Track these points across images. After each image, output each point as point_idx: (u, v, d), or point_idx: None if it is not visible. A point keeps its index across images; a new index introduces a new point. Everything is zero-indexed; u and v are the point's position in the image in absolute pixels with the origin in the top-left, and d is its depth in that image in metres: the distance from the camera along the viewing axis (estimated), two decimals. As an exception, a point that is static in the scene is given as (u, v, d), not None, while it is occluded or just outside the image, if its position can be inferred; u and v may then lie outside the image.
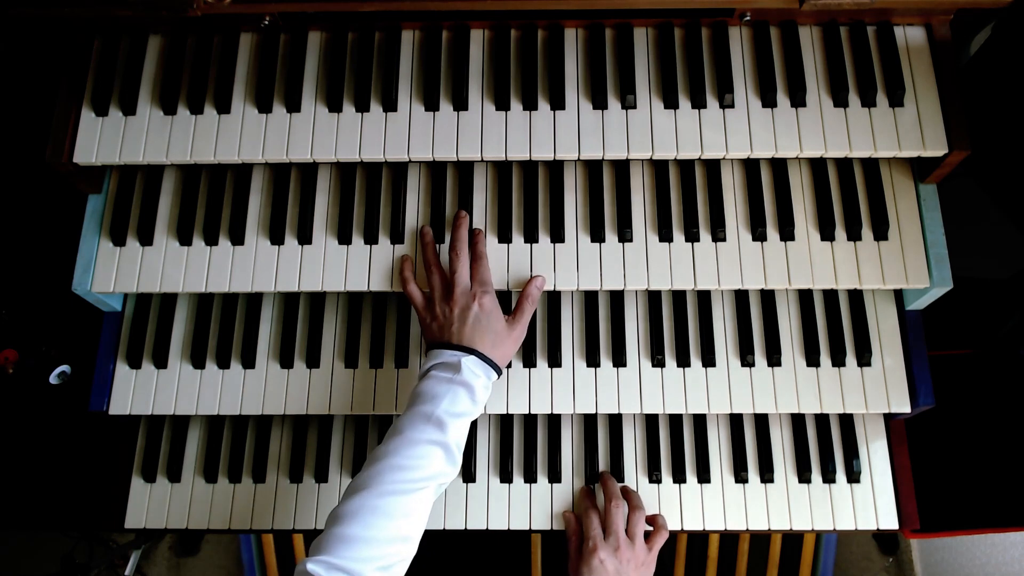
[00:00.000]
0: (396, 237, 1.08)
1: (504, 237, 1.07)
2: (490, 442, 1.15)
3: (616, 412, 1.09)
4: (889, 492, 1.12)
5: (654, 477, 1.13)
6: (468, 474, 1.13)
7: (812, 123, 1.03)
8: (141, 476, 1.15)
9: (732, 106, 1.04)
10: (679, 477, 1.13)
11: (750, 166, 1.10)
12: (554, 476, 1.13)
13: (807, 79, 1.04)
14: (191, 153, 1.03)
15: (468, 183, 1.10)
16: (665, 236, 1.06)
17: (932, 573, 1.95)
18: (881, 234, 1.06)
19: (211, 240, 1.08)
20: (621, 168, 1.09)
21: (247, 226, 1.08)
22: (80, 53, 1.07)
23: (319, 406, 1.10)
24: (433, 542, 1.13)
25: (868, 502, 1.11)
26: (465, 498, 1.13)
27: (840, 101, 1.03)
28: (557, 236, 1.07)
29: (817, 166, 1.10)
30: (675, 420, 1.16)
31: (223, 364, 1.12)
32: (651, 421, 1.16)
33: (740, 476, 1.12)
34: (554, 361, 1.10)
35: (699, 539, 1.89)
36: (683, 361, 1.09)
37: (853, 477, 1.12)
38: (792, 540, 1.91)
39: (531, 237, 1.07)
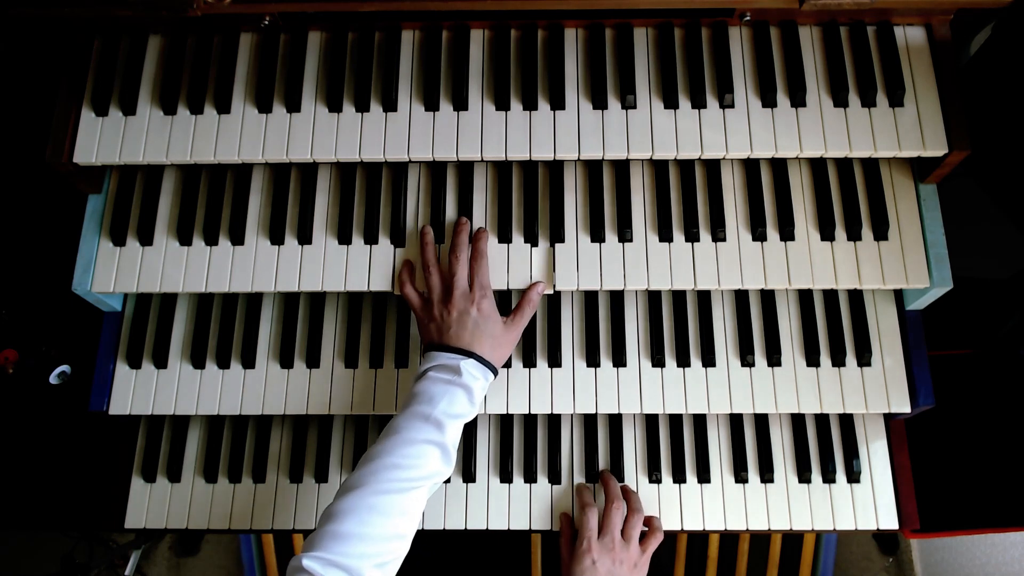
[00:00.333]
0: (396, 237, 1.08)
1: (504, 237, 1.07)
2: (490, 442, 1.15)
3: (616, 412, 1.09)
4: (889, 492, 1.12)
5: (654, 477, 1.13)
6: (468, 474, 1.13)
7: (812, 123, 1.03)
8: (141, 476, 1.15)
9: (732, 106, 1.04)
10: (679, 477, 1.13)
11: (750, 166, 1.10)
12: (554, 476, 1.13)
13: (807, 79, 1.04)
14: (191, 153, 1.03)
15: (468, 183, 1.10)
16: (665, 236, 1.06)
17: (932, 573, 1.95)
18: (881, 234, 1.06)
19: (211, 240, 1.08)
20: (621, 168, 1.09)
21: (247, 226, 1.08)
22: (80, 53, 1.07)
23: (319, 406, 1.10)
24: (433, 542, 1.13)
25: (868, 502, 1.11)
26: (465, 498, 1.13)
27: (840, 101, 1.03)
28: (557, 236, 1.07)
29: (817, 166, 1.10)
30: (675, 420, 1.16)
31: (223, 364, 1.12)
32: (651, 421, 1.16)
33: (740, 476, 1.12)
34: (554, 361, 1.10)
35: (699, 539, 1.89)
36: (683, 361, 1.09)
37: (853, 477, 1.12)
38: (792, 540, 1.91)
39: (531, 237, 1.07)
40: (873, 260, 1.05)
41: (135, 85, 1.06)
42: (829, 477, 1.12)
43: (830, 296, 1.13)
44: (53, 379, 1.20)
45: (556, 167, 1.10)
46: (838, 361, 1.09)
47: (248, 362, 1.12)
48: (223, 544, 2.11)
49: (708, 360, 1.09)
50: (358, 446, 1.15)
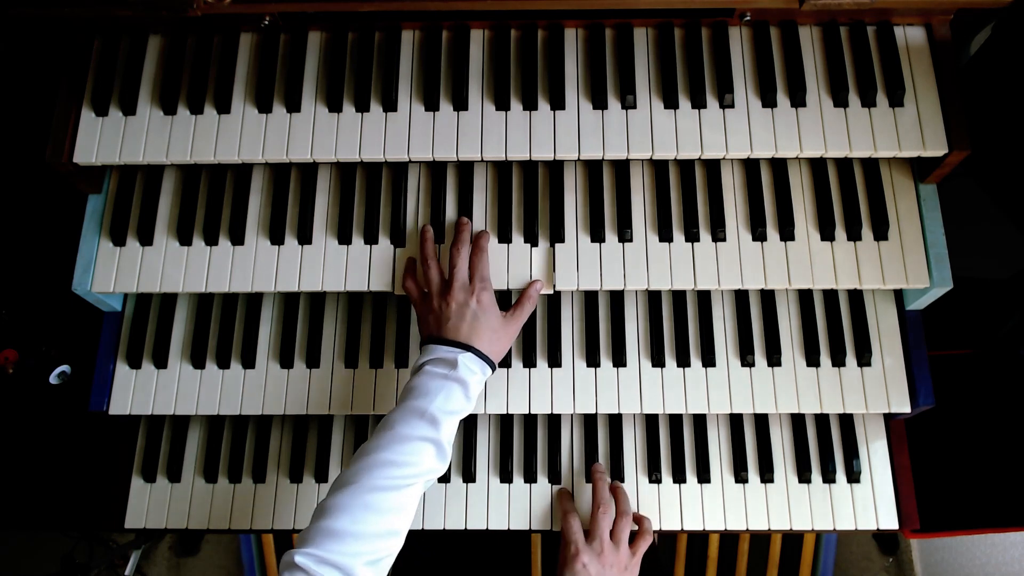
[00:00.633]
0: (396, 237, 1.08)
1: (504, 237, 1.07)
2: (490, 442, 1.15)
3: (616, 412, 1.09)
4: (889, 492, 1.12)
5: (654, 477, 1.13)
6: (468, 474, 1.13)
7: (812, 123, 1.03)
8: (141, 476, 1.15)
9: (732, 106, 1.04)
10: (679, 477, 1.13)
11: (750, 166, 1.10)
12: (554, 476, 1.13)
13: (807, 79, 1.04)
14: (191, 153, 1.03)
15: (468, 183, 1.10)
16: (665, 236, 1.06)
17: (932, 573, 1.95)
18: (881, 234, 1.06)
19: (211, 240, 1.08)
20: (621, 168, 1.09)
21: (247, 226, 1.08)
22: (80, 53, 1.07)
23: (319, 406, 1.10)
24: (433, 542, 1.13)
25: (868, 502, 1.11)
26: (465, 498, 1.13)
27: (840, 101, 1.03)
28: (557, 236, 1.07)
29: (817, 166, 1.10)
30: (675, 420, 1.16)
31: (223, 364, 1.12)
32: (651, 421, 1.16)
33: (740, 476, 1.12)
34: (554, 361, 1.10)
35: (699, 539, 1.89)
36: (683, 361, 1.09)
37: (853, 477, 1.12)
38: (792, 540, 1.91)
39: (531, 237, 1.07)
40: (873, 260, 1.05)
41: (135, 85, 1.06)
42: (829, 477, 1.12)
43: (830, 296, 1.13)
44: (53, 379, 1.20)
45: (556, 167, 1.10)
46: (838, 361, 1.09)
47: (248, 362, 1.12)
48: (223, 544, 2.11)
49: (708, 360, 1.09)
50: (358, 446, 1.15)
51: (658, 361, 1.09)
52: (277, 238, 1.07)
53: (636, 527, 1.10)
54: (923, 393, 1.07)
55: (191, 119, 1.05)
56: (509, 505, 1.12)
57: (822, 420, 1.15)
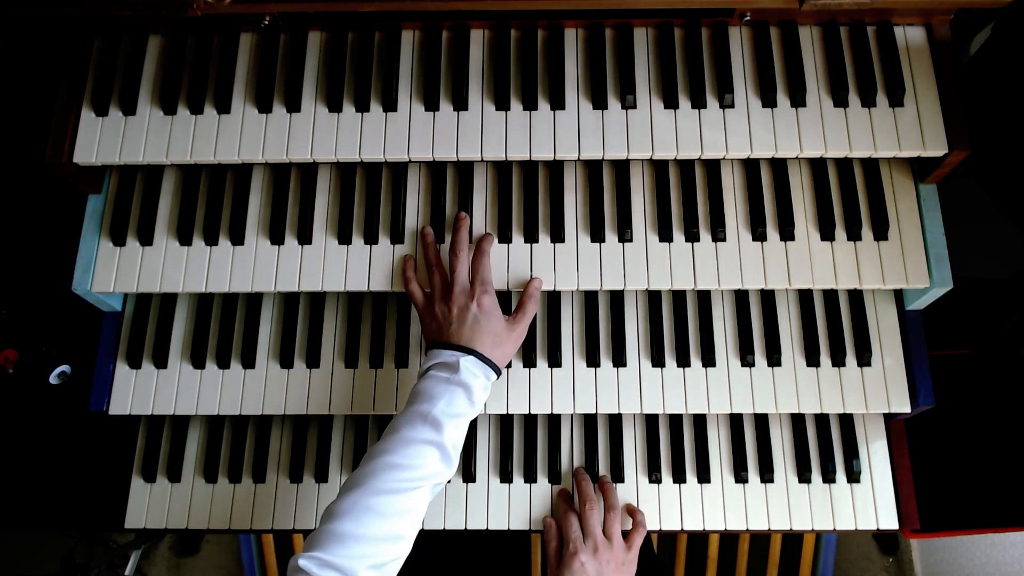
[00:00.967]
0: (396, 237, 1.08)
1: (504, 237, 1.07)
2: (490, 442, 1.15)
3: (616, 412, 1.09)
4: (889, 492, 1.12)
5: (654, 477, 1.13)
6: (468, 474, 1.13)
7: (812, 123, 1.03)
8: (141, 476, 1.15)
9: (732, 106, 1.04)
10: (679, 477, 1.13)
11: (750, 166, 1.10)
12: (554, 476, 1.13)
13: (807, 79, 1.04)
14: (191, 153, 1.03)
15: (468, 183, 1.10)
16: (665, 236, 1.06)
17: (932, 573, 1.95)
18: (881, 234, 1.06)
19: (211, 240, 1.08)
20: (621, 168, 1.09)
21: (247, 226, 1.08)
22: (80, 53, 1.07)
23: (319, 406, 1.10)
24: (433, 542, 1.13)
25: (868, 502, 1.11)
26: (465, 498, 1.13)
27: (840, 101, 1.03)
28: (557, 236, 1.07)
29: (817, 166, 1.10)
30: (675, 420, 1.16)
31: (223, 364, 1.12)
32: (651, 421, 1.16)
33: (740, 476, 1.12)
34: (554, 361, 1.10)
35: (699, 539, 1.89)
36: (683, 361, 1.09)
37: (853, 477, 1.12)
38: (792, 540, 1.91)
39: (531, 237, 1.07)
40: (873, 260, 1.05)
41: (135, 85, 1.06)
42: (829, 477, 1.12)
43: (830, 296, 1.13)
44: (53, 379, 1.20)
45: (556, 167, 1.10)
46: (838, 361, 1.09)
47: (248, 362, 1.12)
48: (223, 544, 2.11)
49: (708, 360, 1.09)
50: (358, 446, 1.15)
51: (658, 361, 1.09)
52: (277, 238, 1.07)
53: (631, 521, 1.11)
54: (923, 393, 1.07)
55: (191, 119, 1.05)
56: (509, 505, 1.12)
57: (822, 420, 1.15)
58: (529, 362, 1.10)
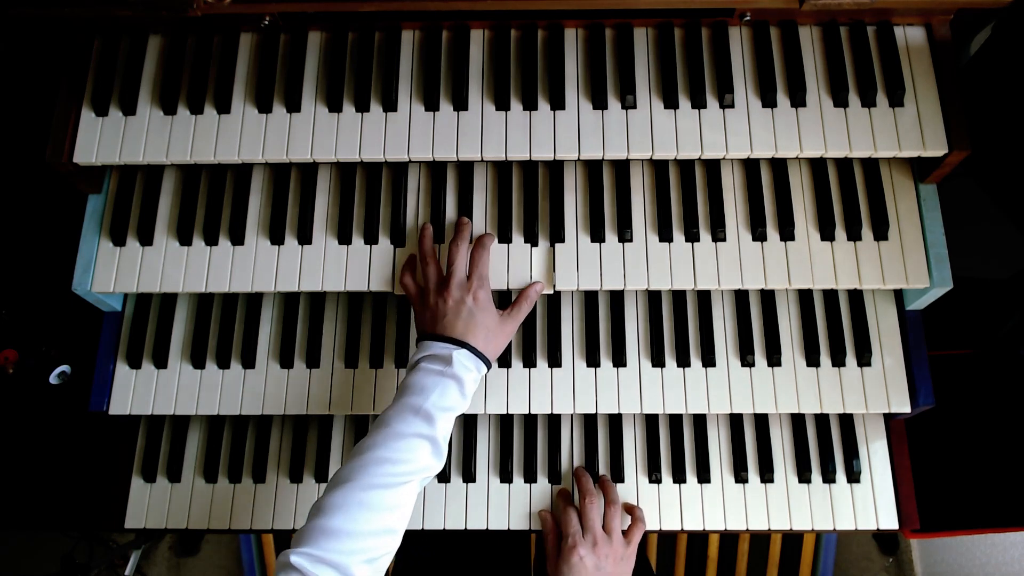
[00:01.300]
0: (396, 237, 1.08)
1: (504, 237, 1.07)
2: (490, 442, 1.15)
3: (616, 412, 1.09)
4: (889, 492, 1.12)
5: (654, 477, 1.13)
6: (468, 474, 1.13)
7: (812, 123, 1.03)
8: (141, 476, 1.15)
9: (732, 106, 1.04)
10: (679, 477, 1.13)
11: (750, 166, 1.10)
12: (554, 476, 1.13)
13: (807, 79, 1.04)
14: (191, 153, 1.03)
15: (468, 183, 1.10)
16: (665, 236, 1.06)
17: (932, 573, 1.95)
18: (881, 234, 1.06)
19: (211, 240, 1.08)
20: (621, 168, 1.09)
21: (247, 226, 1.08)
22: (80, 53, 1.07)
23: (319, 406, 1.10)
24: (433, 542, 1.13)
25: (868, 502, 1.11)
26: (465, 498, 1.13)
27: (840, 101, 1.03)
28: (557, 236, 1.07)
29: (817, 166, 1.10)
30: (675, 420, 1.16)
31: (223, 364, 1.12)
32: (651, 421, 1.16)
33: (740, 476, 1.12)
34: (554, 361, 1.10)
35: (699, 539, 1.90)
36: (683, 361, 1.09)
37: (853, 477, 1.12)
38: (792, 540, 1.91)
39: (531, 237, 1.07)
40: (873, 260, 1.05)
41: (135, 85, 1.06)
42: (829, 477, 1.12)
43: (830, 296, 1.13)
44: (53, 379, 1.20)
45: (556, 167, 1.10)
46: (838, 361, 1.09)
47: (248, 362, 1.12)
48: (223, 544, 2.11)
49: (708, 360, 1.09)
50: (358, 446, 1.15)
51: (658, 361, 1.09)
52: (277, 238, 1.07)
53: (630, 517, 1.11)
54: (923, 393, 1.07)
55: (191, 119, 1.05)
56: (509, 505, 1.12)
57: (822, 420, 1.15)
58: (529, 362, 1.10)
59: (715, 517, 1.12)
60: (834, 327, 1.11)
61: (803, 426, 1.15)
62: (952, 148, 1.00)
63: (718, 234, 1.06)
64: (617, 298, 1.13)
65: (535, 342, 1.10)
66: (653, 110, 1.04)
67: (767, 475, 1.12)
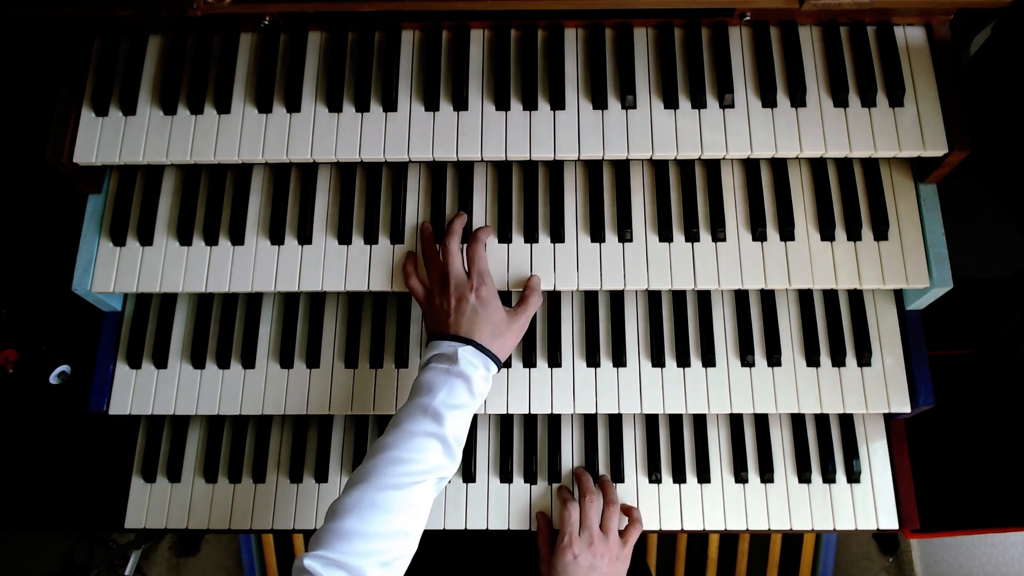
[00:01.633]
0: (396, 237, 1.08)
1: (504, 237, 1.07)
2: (490, 442, 1.15)
3: (616, 412, 1.09)
4: (889, 492, 1.12)
5: (654, 477, 1.13)
6: (468, 474, 1.14)
7: (812, 123, 1.03)
8: (141, 476, 1.15)
9: (732, 106, 1.04)
10: (679, 477, 1.13)
11: (750, 166, 1.10)
12: (554, 476, 1.13)
13: (807, 79, 1.04)
14: (191, 153, 1.03)
15: (468, 183, 1.10)
16: (665, 236, 1.06)
17: (932, 573, 1.95)
18: (881, 234, 1.06)
19: (211, 240, 1.08)
20: (621, 168, 1.09)
21: (247, 226, 1.08)
22: (80, 53, 1.07)
23: (319, 406, 1.10)
24: (433, 542, 1.13)
25: (868, 502, 1.11)
26: (465, 498, 1.13)
27: (840, 101, 1.03)
28: (557, 236, 1.07)
29: (817, 166, 1.10)
30: (675, 420, 1.16)
31: (223, 364, 1.12)
32: (651, 421, 1.16)
33: (740, 476, 1.12)
34: (554, 361, 1.10)
35: (699, 539, 1.89)
36: (683, 361, 1.09)
37: (853, 477, 1.12)
38: (792, 540, 1.91)
39: (531, 237, 1.07)
40: (873, 260, 1.05)
41: (135, 85, 1.06)
42: (829, 477, 1.12)
43: (830, 296, 1.13)
44: (53, 379, 1.20)
45: (556, 167, 1.10)
46: (838, 361, 1.09)
47: (248, 362, 1.12)
48: (223, 544, 2.11)
49: (708, 360, 1.09)
50: (358, 446, 1.15)
51: (658, 361, 1.09)
52: (277, 238, 1.07)
53: (627, 518, 1.11)
54: (923, 393, 1.07)
55: (191, 119, 1.05)
56: (509, 505, 1.12)
57: (822, 420, 1.15)
58: (529, 362, 1.10)
59: (715, 517, 1.12)
60: (834, 327, 1.11)
61: (803, 426, 1.15)
62: (952, 148, 1.00)
63: (718, 234, 1.06)
64: (617, 298, 1.13)
65: (535, 342, 1.10)
66: (653, 110, 1.04)
67: (767, 475, 1.12)
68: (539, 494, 1.13)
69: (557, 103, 1.04)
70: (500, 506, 1.12)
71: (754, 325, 1.12)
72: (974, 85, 1.10)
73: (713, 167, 1.09)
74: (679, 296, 1.13)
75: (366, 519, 0.83)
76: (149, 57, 1.08)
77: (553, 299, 1.12)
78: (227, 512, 1.13)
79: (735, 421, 1.15)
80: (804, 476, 1.12)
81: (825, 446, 1.13)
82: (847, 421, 1.15)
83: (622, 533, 1.08)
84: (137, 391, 1.11)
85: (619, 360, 1.09)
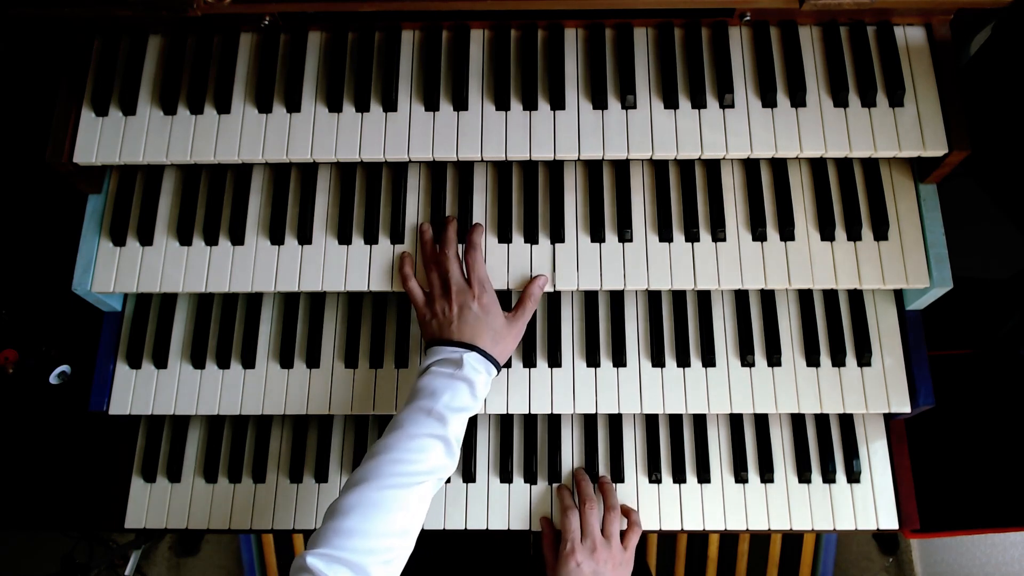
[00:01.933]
0: (396, 237, 1.08)
1: (504, 237, 1.07)
2: (490, 442, 1.15)
3: (616, 412, 1.09)
4: (889, 492, 1.12)
5: (654, 477, 1.13)
6: (468, 474, 1.14)
7: (812, 123, 1.03)
8: (141, 476, 1.15)
9: (732, 106, 1.04)
10: (679, 477, 1.13)
11: (750, 166, 1.10)
12: (554, 476, 1.13)
13: (807, 79, 1.04)
14: (191, 153, 1.03)
15: (468, 183, 1.10)
16: (665, 236, 1.06)
17: (932, 573, 1.95)
18: (881, 234, 1.06)
19: (211, 240, 1.08)
20: (621, 168, 1.09)
21: (247, 226, 1.08)
22: (80, 53, 1.07)
23: (319, 406, 1.10)
24: (433, 542, 1.13)
25: (868, 502, 1.11)
26: (465, 498, 1.13)
27: (840, 101, 1.03)
28: (557, 236, 1.07)
29: (817, 166, 1.10)
30: (675, 420, 1.16)
31: (223, 364, 1.12)
32: (651, 421, 1.16)
33: (740, 476, 1.12)
34: (554, 361, 1.10)
35: (699, 539, 1.90)
36: (683, 361, 1.09)
37: (853, 477, 1.12)
38: (792, 540, 1.91)
39: (531, 237, 1.07)
40: (873, 260, 1.05)
41: (135, 85, 1.06)
42: (829, 477, 1.12)
43: (830, 296, 1.13)
44: (53, 379, 1.20)
45: (556, 167, 1.10)
46: (838, 361, 1.09)
47: (248, 362, 1.12)
48: (223, 544, 2.11)
49: (708, 360, 1.09)
50: (358, 446, 1.15)
51: (658, 361, 1.09)
52: (277, 238, 1.07)
53: (626, 521, 1.11)
54: (923, 393, 1.07)
55: (191, 119, 1.05)
56: (509, 505, 1.12)
57: (822, 420, 1.15)
58: (529, 362, 1.10)
59: (715, 517, 1.12)
60: (834, 327, 1.11)
61: (803, 426, 1.15)
62: (952, 148, 1.00)
63: (718, 234, 1.06)
64: (617, 298, 1.13)
65: (535, 342, 1.11)
66: (653, 110, 1.04)
67: (767, 475, 1.12)
68: (539, 494, 1.13)
69: (557, 103, 1.04)
70: (500, 506, 1.12)
71: (754, 325, 1.12)
72: (974, 85, 1.10)
73: (713, 167, 1.09)
74: (679, 296, 1.13)
75: (369, 518, 0.84)
76: (149, 57, 1.08)
77: (553, 299, 1.12)
78: (227, 512, 1.13)
79: (735, 421, 1.15)
80: (804, 476, 1.12)
81: (825, 446, 1.13)
82: (847, 421, 1.15)
83: (622, 537, 1.08)
84: (137, 391, 1.11)
85: (619, 360, 1.09)
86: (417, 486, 0.88)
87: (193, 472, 1.16)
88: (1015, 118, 1.11)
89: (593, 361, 1.09)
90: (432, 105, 1.05)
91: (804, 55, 1.05)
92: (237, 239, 1.08)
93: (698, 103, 1.04)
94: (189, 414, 1.11)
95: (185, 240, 1.08)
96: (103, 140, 1.04)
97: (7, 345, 1.22)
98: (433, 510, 1.12)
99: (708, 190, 1.08)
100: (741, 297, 1.13)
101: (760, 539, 1.91)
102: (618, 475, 1.13)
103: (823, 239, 1.06)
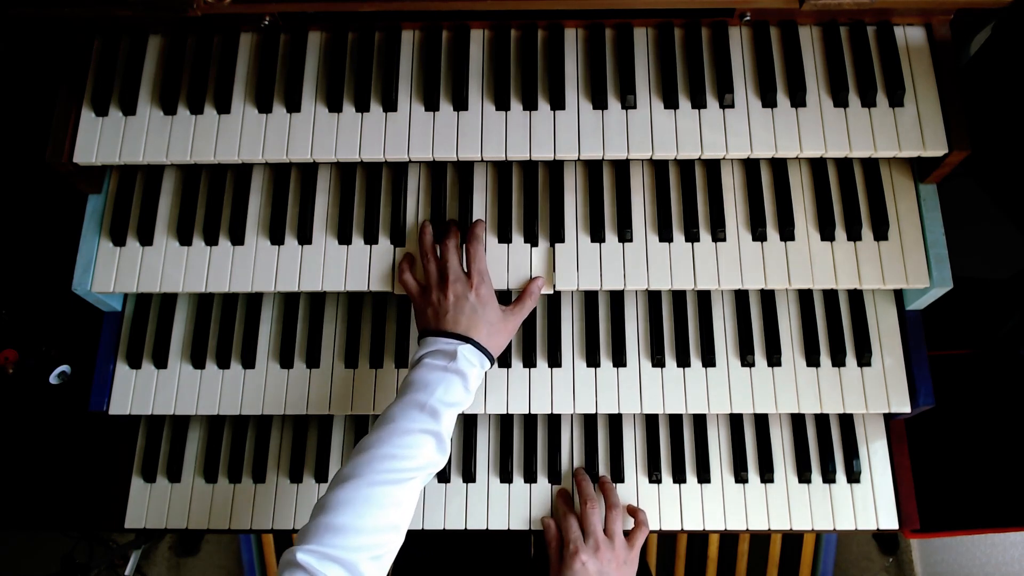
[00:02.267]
0: (396, 237, 1.08)
1: (504, 237, 1.07)
2: (490, 442, 1.15)
3: (616, 412, 1.09)
4: (889, 492, 1.12)
5: (654, 477, 1.13)
6: (468, 474, 1.13)
7: (812, 123, 1.03)
8: (141, 476, 1.15)
9: (732, 106, 1.04)
10: (679, 477, 1.13)
11: (750, 166, 1.10)
12: (554, 476, 1.13)
13: (807, 79, 1.04)
14: (191, 153, 1.03)
15: (468, 183, 1.10)
16: (665, 236, 1.06)
17: (932, 573, 1.95)
18: (881, 234, 1.06)
19: (211, 240, 1.08)
20: (621, 168, 1.09)
21: (247, 226, 1.08)
22: (80, 53, 1.07)
23: (319, 406, 1.10)
24: (433, 542, 1.13)
25: (868, 502, 1.11)
26: (465, 498, 1.13)
27: (840, 101, 1.03)
28: (557, 236, 1.07)
29: (817, 166, 1.10)
30: (675, 420, 1.16)
31: (223, 364, 1.12)
32: (651, 421, 1.16)
33: (740, 476, 1.12)
34: (554, 361, 1.10)
35: (699, 539, 1.90)
36: (683, 361, 1.09)
37: (853, 477, 1.12)
38: (792, 540, 1.92)
39: (531, 237, 1.07)
40: (873, 260, 1.05)
41: (135, 85, 1.06)
42: (829, 477, 1.12)
43: (830, 296, 1.13)
44: (53, 379, 1.20)
45: (556, 167, 1.10)
46: (838, 361, 1.09)
47: (248, 362, 1.12)
48: (223, 544, 2.12)
49: (708, 360, 1.09)
50: (358, 446, 1.15)
51: (658, 361, 1.09)
52: (277, 238, 1.07)
53: (632, 520, 1.11)
54: (923, 393, 1.07)
55: (191, 119, 1.05)
56: (509, 505, 1.12)
57: (822, 420, 1.15)
58: (529, 362, 1.10)
59: (715, 517, 1.12)
60: (834, 327, 1.11)
61: (803, 426, 1.15)
62: (952, 148, 1.00)
63: (718, 234, 1.06)
64: (617, 298, 1.13)
65: (535, 342, 1.11)
66: (653, 110, 1.04)
67: (767, 475, 1.12)
68: (539, 494, 1.13)
69: (557, 103, 1.04)
70: (500, 506, 1.12)
71: (754, 325, 1.12)
72: (974, 85, 1.10)
73: (713, 167, 1.09)
74: (679, 296, 1.13)
75: (360, 514, 0.83)
76: (149, 57, 1.08)
77: (553, 299, 1.12)
78: (227, 512, 1.13)
79: (735, 421, 1.15)
80: (804, 476, 1.12)
81: (825, 446, 1.13)
82: (847, 421, 1.15)
83: (628, 536, 1.08)
84: (137, 391, 1.11)
85: (619, 360, 1.09)
86: (408, 482, 0.88)
87: (193, 472, 1.16)
88: (1015, 118, 1.11)
89: (593, 361, 1.09)
90: (432, 105, 1.05)
91: (804, 55, 1.05)
92: (237, 239, 1.08)
93: (698, 103, 1.04)
94: (189, 414, 1.11)
95: (185, 240, 1.08)
96: (103, 140, 1.04)
97: (7, 345, 1.22)
98: (433, 510, 1.12)
99: (708, 190, 1.08)
100: (741, 297, 1.13)
101: (760, 539, 1.91)
102: (618, 475, 1.13)
103: (823, 239, 1.06)
